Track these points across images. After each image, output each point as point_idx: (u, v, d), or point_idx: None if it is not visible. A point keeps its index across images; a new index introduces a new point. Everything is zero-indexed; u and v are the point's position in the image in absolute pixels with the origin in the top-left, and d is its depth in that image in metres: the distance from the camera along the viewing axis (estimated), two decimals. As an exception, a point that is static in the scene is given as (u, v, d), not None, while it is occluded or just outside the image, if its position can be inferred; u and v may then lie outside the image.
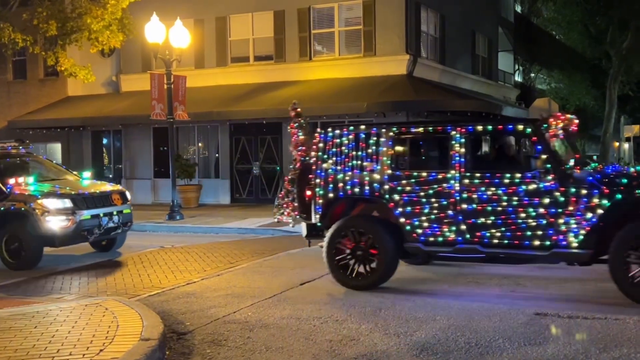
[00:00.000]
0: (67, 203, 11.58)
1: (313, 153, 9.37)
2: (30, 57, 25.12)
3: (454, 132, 8.43)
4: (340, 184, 9.02)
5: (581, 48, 32.53)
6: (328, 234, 8.96)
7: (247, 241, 14.61)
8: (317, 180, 9.21)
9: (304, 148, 9.83)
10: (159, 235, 16.42)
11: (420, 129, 9.07)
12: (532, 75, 36.51)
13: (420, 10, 22.33)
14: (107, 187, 12.95)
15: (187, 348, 6.45)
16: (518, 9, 36.02)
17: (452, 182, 8.33)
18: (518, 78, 34.85)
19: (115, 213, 12.27)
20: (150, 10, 18.21)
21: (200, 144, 24.74)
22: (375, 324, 7.01)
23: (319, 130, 9.39)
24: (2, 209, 11.53)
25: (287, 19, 22.77)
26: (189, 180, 22.56)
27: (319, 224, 9.29)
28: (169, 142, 18.72)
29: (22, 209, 11.43)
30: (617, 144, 43.21)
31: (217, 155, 24.11)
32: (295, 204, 9.65)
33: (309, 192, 9.29)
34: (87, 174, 13.80)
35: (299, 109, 10.24)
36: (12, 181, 11.69)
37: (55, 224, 11.39)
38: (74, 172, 13.87)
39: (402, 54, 21.26)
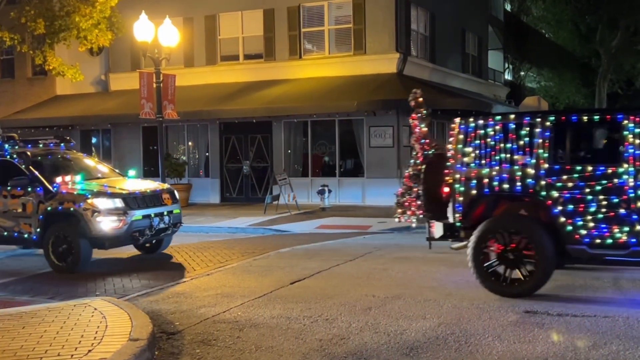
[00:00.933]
0: (119, 203, 10.92)
1: (451, 146, 8.52)
2: (18, 56, 24.98)
3: (626, 121, 7.62)
4: (486, 180, 8.18)
5: (571, 46, 32.69)
6: (473, 236, 8.17)
7: (237, 240, 14.57)
8: (457, 176, 8.37)
9: (427, 141, 9.11)
10: (149, 234, 16.31)
11: (584, 118, 8.01)
12: (522, 73, 36.64)
13: (410, 8, 22.34)
14: (156, 185, 12.24)
15: (176, 348, 6.41)
16: (508, 7, 36.12)
17: (625, 177, 7.56)
18: (508, 76, 34.96)
19: (165, 213, 11.60)
20: (139, 8, 18.12)
21: (190, 143, 24.67)
22: (366, 323, 6.99)
23: (457, 120, 8.56)
24: (49, 208, 10.95)
25: (276, 17, 22.73)
26: (178, 180, 22.48)
27: (457, 224, 8.49)
28: (158, 141, 18.59)
29: (71, 209, 10.79)
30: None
31: (207, 154, 24.05)
32: (420, 202, 8.87)
33: (446, 189, 8.47)
34: (132, 172, 13.27)
35: (420, 98, 9.38)
36: (58, 180, 11.12)
37: (106, 224, 10.72)
38: (117, 171, 13.39)
39: (392, 53, 21.27)
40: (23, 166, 11.39)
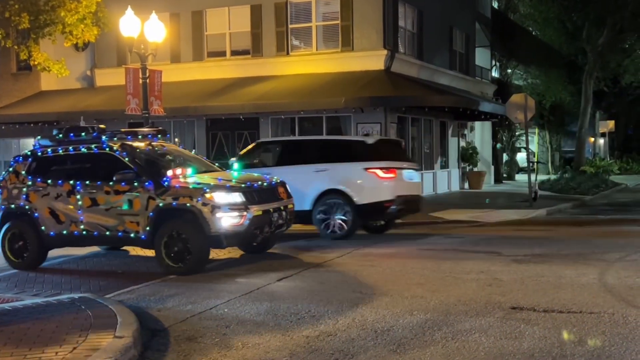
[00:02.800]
0: (239, 197, 9.93)
1: None
2: (2, 50, 24.66)
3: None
4: None
5: (557, 44, 32.86)
6: None
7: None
8: None
9: None
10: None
11: None
12: (509, 71, 36.78)
13: (398, 5, 22.35)
14: (270, 179, 11.09)
15: (162, 345, 6.37)
16: (495, 4, 36.23)
17: None
18: (495, 74, 35.09)
19: (282, 208, 10.69)
20: (125, 3, 17.96)
21: (176, 139, 24.53)
22: (353, 320, 6.98)
23: None
24: (161, 204, 9.86)
25: (264, 13, 22.67)
26: (165, 176, 22.34)
27: None
28: (144, 137, 18.51)
29: (188, 204, 9.73)
30: (592, 139, 43.74)
31: (193, 150, 23.92)
32: None
33: None
34: (235, 164, 12.56)
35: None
36: (169, 173, 10.10)
37: (227, 221, 9.73)
38: (216, 163, 12.61)
39: (380, 49, 21.26)
40: (127, 159, 10.35)
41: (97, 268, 10.94)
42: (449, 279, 8.97)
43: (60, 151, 11.05)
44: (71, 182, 10.56)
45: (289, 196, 11.17)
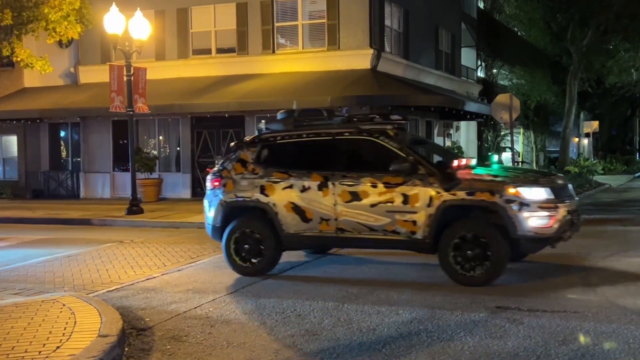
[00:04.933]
0: (548, 194, 8.47)
1: None
2: (-16, 47, 24.47)
3: None
4: None
5: (542, 45, 33.03)
6: None
7: (208, 236, 14.43)
8: None
9: None
10: (118, 229, 16.14)
11: None
12: (495, 71, 36.94)
13: (384, 4, 22.36)
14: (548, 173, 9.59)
15: (146, 344, 6.33)
16: (481, 5, 36.39)
17: None
18: (480, 74, 35.23)
19: (576, 209, 9.16)
20: (110, 0, 17.87)
21: (161, 137, 24.43)
22: (338, 319, 6.97)
23: None
24: (448, 200, 8.40)
25: (249, 11, 22.59)
26: (149, 174, 22.26)
27: None
28: (128, 135, 18.42)
29: (488, 200, 8.28)
30: (576, 139, 44.04)
31: (178, 148, 23.85)
32: None
33: None
34: (495, 156, 11.43)
35: None
36: (454, 163, 8.92)
37: (534, 222, 8.28)
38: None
39: (366, 48, 21.26)
40: (396, 147, 8.85)
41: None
42: (434, 278, 8.98)
43: (298, 136, 9.44)
44: (322, 172, 9.05)
45: (575, 196, 9.55)
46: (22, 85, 25.55)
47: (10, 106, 24.16)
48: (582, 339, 6.14)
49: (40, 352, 5.60)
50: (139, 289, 8.73)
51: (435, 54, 27.27)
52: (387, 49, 22.88)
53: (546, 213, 8.28)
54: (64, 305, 7.24)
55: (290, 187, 9.13)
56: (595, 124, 41.11)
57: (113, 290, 8.74)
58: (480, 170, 8.92)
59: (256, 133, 10.19)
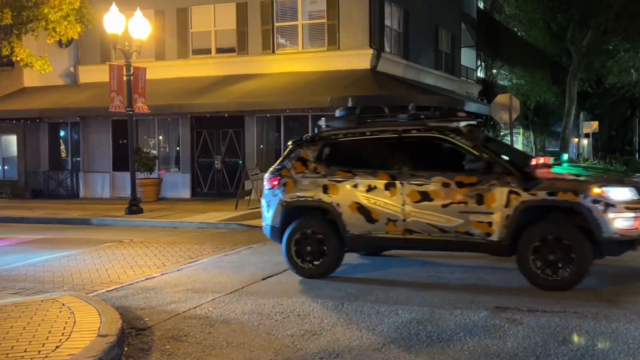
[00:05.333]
0: (635, 194, 8.12)
1: None
2: (-16, 46, 24.47)
3: None
4: None
5: (542, 45, 33.02)
6: None
7: (208, 236, 14.46)
8: None
9: None
10: (118, 229, 16.14)
11: None
12: (494, 71, 36.95)
13: (384, 4, 22.36)
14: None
15: (146, 344, 6.32)
16: (481, 5, 36.39)
17: None
18: (480, 74, 35.24)
19: None
20: (110, 0, 17.87)
21: (160, 137, 24.43)
22: (338, 319, 6.97)
23: None
24: (528, 200, 8.04)
25: (249, 11, 22.59)
26: (149, 174, 22.26)
27: None
28: (128, 135, 18.42)
29: (572, 201, 7.91)
30: (576, 139, 44.02)
31: (177, 148, 23.85)
32: None
33: None
34: (566, 155, 11.00)
35: None
36: (533, 162, 8.68)
37: (620, 224, 7.92)
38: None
39: (366, 49, 21.26)
40: (469, 145, 8.51)
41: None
42: (434, 278, 8.98)
43: (361, 134, 9.17)
44: (389, 171, 8.76)
45: None
46: (22, 85, 25.54)
47: (10, 106, 24.16)
48: (581, 339, 6.14)
49: (39, 351, 5.60)
50: (138, 289, 8.72)
51: (435, 54, 27.28)
52: (387, 49, 22.88)
53: (632, 214, 7.96)
54: (63, 304, 7.23)
55: (355, 186, 8.85)
56: (594, 124, 41.08)
57: (112, 290, 8.73)
58: (561, 169, 8.57)
59: (315, 131, 9.90)
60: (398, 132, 8.98)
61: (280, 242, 9.29)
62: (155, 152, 23.92)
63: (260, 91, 21.18)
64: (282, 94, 20.70)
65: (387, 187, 8.69)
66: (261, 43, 22.53)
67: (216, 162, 23.01)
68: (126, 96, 17.74)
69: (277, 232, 9.34)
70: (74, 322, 6.48)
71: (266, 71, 22.19)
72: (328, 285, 8.58)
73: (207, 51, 23.54)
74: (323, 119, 9.80)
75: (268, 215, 9.46)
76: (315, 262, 9.02)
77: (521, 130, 40.63)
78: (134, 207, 17.92)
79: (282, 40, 22.80)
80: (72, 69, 25.15)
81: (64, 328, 6.27)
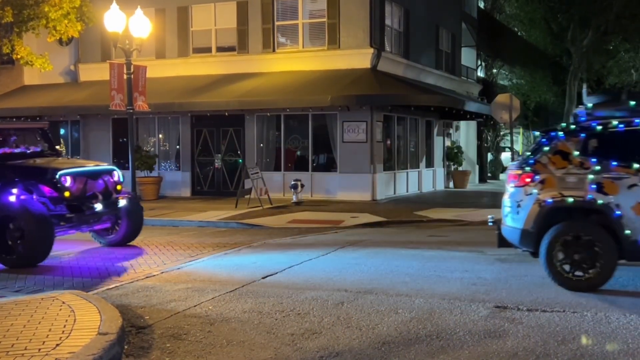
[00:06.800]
0: None
1: None
2: (-15, 44, 24.47)
3: None
4: None
5: (542, 45, 33.04)
6: None
7: (208, 234, 14.46)
8: None
9: None
10: (119, 227, 16.12)
11: None
12: (494, 71, 36.95)
13: (385, 4, 22.37)
14: None
15: (146, 342, 6.32)
16: (481, 4, 36.38)
17: None
18: (480, 74, 35.23)
19: None
20: (111, -2, 17.88)
21: (160, 136, 24.44)
22: (338, 317, 6.98)
23: None
24: None
25: (250, 10, 22.60)
26: (149, 172, 22.27)
27: None
28: (128, 133, 18.40)
29: None
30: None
31: (177, 147, 23.85)
32: None
33: None
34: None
35: None
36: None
37: None
38: None
39: (366, 48, 21.27)
40: None
41: None
42: (433, 277, 8.99)
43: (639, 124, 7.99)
44: None
45: None
46: (22, 83, 25.55)
47: (10, 104, 24.17)
48: (581, 339, 6.15)
49: (39, 349, 5.60)
50: (138, 287, 8.72)
51: (436, 54, 27.29)
52: (388, 48, 22.88)
53: None
54: (63, 302, 7.23)
55: (637, 185, 7.74)
56: (594, 125, 41.06)
57: (112, 288, 8.73)
58: None
59: (571, 119, 8.84)
60: None
61: (533, 248, 8.27)
62: (155, 150, 23.91)
63: (261, 90, 21.19)
64: (282, 93, 20.72)
65: None
66: (261, 42, 22.54)
67: (216, 160, 23.02)
68: (126, 94, 17.72)
69: (531, 237, 8.22)
70: (74, 320, 6.47)
71: (266, 70, 22.20)
72: (328, 285, 8.58)
73: (208, 50, 23.54)
74: (581, 106, 8.71)
75: (518, 217, 8.33)
76: (587, 273, 7.91)
77: (521, 130, 40.65)
78: (134, 205, 17.88)
79: (282, 39, 22.81)
80: (72, 67, 25.15)
81: (64, 326, 6.27)
